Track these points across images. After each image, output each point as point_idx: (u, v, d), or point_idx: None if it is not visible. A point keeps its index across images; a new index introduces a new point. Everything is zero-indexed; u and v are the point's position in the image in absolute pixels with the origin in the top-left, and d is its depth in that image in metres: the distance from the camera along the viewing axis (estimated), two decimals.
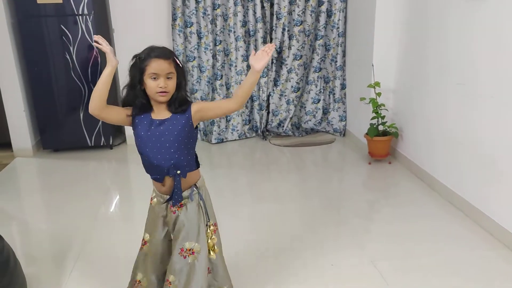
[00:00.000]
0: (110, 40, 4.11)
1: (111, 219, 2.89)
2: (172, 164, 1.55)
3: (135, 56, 1.53)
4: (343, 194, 3.13)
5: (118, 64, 1.53)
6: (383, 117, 3.41)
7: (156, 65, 1.48)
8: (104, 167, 3.80)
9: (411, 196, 2.93)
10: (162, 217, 1.68)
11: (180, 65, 1.55)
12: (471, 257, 2.20)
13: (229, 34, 4.02)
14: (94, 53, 3.77)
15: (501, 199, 2.31)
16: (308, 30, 4.08)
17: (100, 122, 3.94)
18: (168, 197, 1.62)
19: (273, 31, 4.08)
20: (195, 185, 1.64)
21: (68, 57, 3.75)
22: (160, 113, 1.56)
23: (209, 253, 1.65)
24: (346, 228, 2.54)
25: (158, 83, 1.48)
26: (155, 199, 1.69)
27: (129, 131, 4.21)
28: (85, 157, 3.92)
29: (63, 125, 3.93)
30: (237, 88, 1.58)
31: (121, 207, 3.07)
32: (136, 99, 1.54)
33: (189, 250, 1.61)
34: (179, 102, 1.55)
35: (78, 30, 3.70)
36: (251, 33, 4.02)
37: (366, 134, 3.44)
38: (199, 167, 1.66)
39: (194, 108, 1.57)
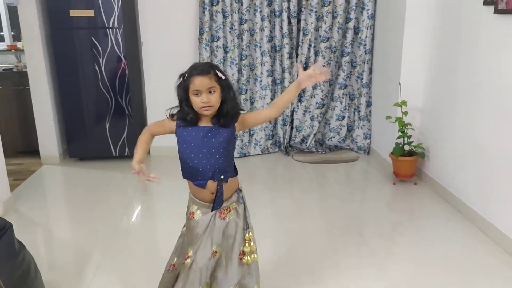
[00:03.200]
0: (138, 53, 4.19)
1: (132, 229, 2.90)
2: (217, 169, 1.63)
3: (180, 75, 1.62)
4: (366, 214, 3.06)
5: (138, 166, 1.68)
6: (409, 137, 3.33)
7: (197, 82, 1.55)
8: (128, 177, 3.84)
9: (437, 220, 2.84)
10: (207, 228, 1.67)
11: (223, 77, 1.60)
12: (498, 285, 2.10)
13: (255, 49, 4.04)
14: (122, 65, 3.85)
15: None
16: (335, 47, 4.06)
17: (125, 133, 4.00)
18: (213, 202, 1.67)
19: (299, 47, 4.08)
20: (239, 189, 1.73)
21: (97, 68, 3.84)
22: (206, 122, 1.64)
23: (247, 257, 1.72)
24: (367, 250, 2.47)
25: (201, 98, 1.55)
26: (198, 212, 1.68)
27: (153, 142, 4.24)
28: (109, 167, 3.98)
29: (89, 134, 4.00)
30: (277, 99, 1.74)
31: (143, 217, 3.08)
32: (186, 115, 1.61)
33: (247, 251, 1.72)
34: (229, 116, 1.63)
35: (108, 43, 3.79)
36: (277, 48, 4.03)
37: (391, 153, 3.37)
38: (237, 174, 1.73)
39: (239, 120, 1.68)
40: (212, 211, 1.66)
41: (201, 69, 1.57)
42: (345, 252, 2.44)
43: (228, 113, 1.61)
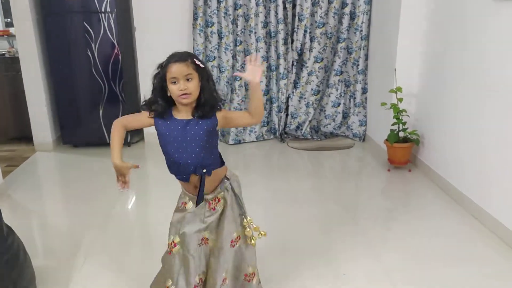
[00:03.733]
0: (131, 38, 4.14)
1: (126, 216, 2.89)
2: (198, 163, 1.59)
3: (159, 65, 1.58)
4: (360, 200, 3.05)
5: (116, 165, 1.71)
6: (404, 123, 3.32)
7: (174, 69, 1.51)
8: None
9: (431, 207, 2.84)
10: (199, 217, 1.65)
11: (201, 65, 1.55)
12: (493, 273, 2.10)
13: (250, 35, 3.99)
14: (116, 50, 3.80)
15: None
16: (330, 33, 4.01)
17: None
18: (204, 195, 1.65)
19: (295, 33, 4.03)
20: (226, 177, 1.70)
21: (90, 54, 3.79)
22: (185, 114, 1.59)
23: (253, 238, 1.73)
24: (362, 236, 2.46)
25: (178, 86, 1.52)
26: (189, 203, 1.67)
27: (147, 129, 4.22)
28: (103, 153, 3.95)
29: (83, 121, 3.97)
30: (249, 107, 1.62)
31: (137, 204, 3.07)
32: (158, 106, 1.57)
33: (237, 238, 1.71)
34: (207, 106, 1.57)
35: (101, 28, 3.73)
36: (272, 34, 3.98)
37: (386, 140, 3.36)
38: (224, 164, 1.70)
39: (220, 114, 1.61)
40: (196, 206, 1.63)
41: (178, 56, 1.54)
42: (340, 239, 2.43)
43: (206, 103, 1.56)
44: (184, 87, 1.51)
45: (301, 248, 2.34)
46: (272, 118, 4.23)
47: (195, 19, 3.90)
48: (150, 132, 4.18)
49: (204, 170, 1.60)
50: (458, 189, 2.82)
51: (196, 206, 1.64)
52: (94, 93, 3.90)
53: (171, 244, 1.67)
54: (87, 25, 3.72)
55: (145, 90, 4.04)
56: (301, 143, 4.12)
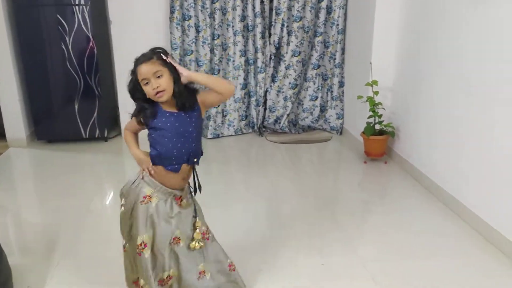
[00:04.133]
0: (107, 32, 4.07)
1: (103, 212, 2.86)
2: (191, 152, 1.65)
3: (130, 72, 1.60)
4: (338, 192, 3.10)
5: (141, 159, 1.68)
6: (380, 116, 3.38)
7: (142, 70, 1.54)
8: (99, 159, 3.77)
9: (406, 198, 2.91)
10: (167, 214, 1.65)
11: (168, 60, 1.57)
12: (467, 264, 2.17)
13: (227, 29, 3.98)
14: (91, 44, 3.73)
15: (499, 203, 2.29)
16: (308, 27, 4.04)
17: (95, 114, 3.91)
18: (176, 191, 1.67)
19: (272, 27, 4.04)
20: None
21: (64, 47, 3.71)
22: (171, 107, 1.62)
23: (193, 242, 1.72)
24: (339, 228, 2.51)
25: (151, 85, 1.54)
26: (154, 196, 1.63)
27: (124, 123, 4.17)
28: (79, 149, 3.89)
29: (57, 116, 3.90)
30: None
31: (115, 200, 3.04)
32: (145, 110, 1.60)
33: (206, 231, 1.76)
34: (185, 96, 1.60)
35: (75, 20, 3.66)
36: (250, 28, 3.98)
37: (363, 132, 3.41)
38: (202, 154, 1.75)
39: (199, 100, 1.65)
40: (195, 194, 1.71)
41: (143, 56, 1.56)
42: (318, 231, 2.48)
43: (181, 94, 1.59)
44: (156, 85, 1.53)
45: (280, 240, 2.36)
46: (250, 112, 4.24)
47: (171, 12, 3.86)
48: None
49: (195, 159, 1.66)
50: (433, 180, 2.90)
51: (195, 195, 1.71)
52: (69, 87, 3.82)
53: (140, 245, 1.63)
54: (60, 18, 3.64)
55: (122, 83, 4.01)
56: (280, 137, 4.15)
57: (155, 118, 1.60)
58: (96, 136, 3.98)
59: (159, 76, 1.53)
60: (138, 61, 1.55)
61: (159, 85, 1.53)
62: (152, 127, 1.62)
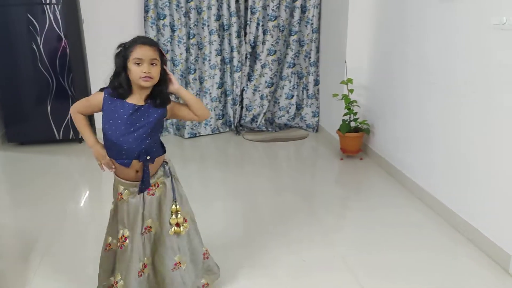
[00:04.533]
0: (79, 31, 4.00)
1: (79, 215, 2.82)
2: (143, 149, 1.60)
3: (120, 45, 1.57)
4: (315, 189, 3.15)
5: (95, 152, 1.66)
6: (355, 114, 3.45)
7: (140, 51, 1.52)
8: (73, 161, 3.70)
9: (381, 193, 2.98)
10: (139, 207, 1.65)
11: (164, 57, 1.58)
12: (439, 252, 2.26)
13: (203, 28, 3.98)
14: (63, 43, 3.66)
15: (468, 196, 2.38)
16: (283, 26, 4.08)
17: (69, 116, 3.83)
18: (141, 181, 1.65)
19: (247, 26, 4.06)
20: (165, 161, 1.72)
21: (35, 47, 3.63)
22: (138, 99, 1.60)
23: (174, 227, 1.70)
24: (317, 224, 2.55)
25: (142, 68, 1.52)
26: (125, 192, 1.66)
27: (99, 124, 4.10)
28: (52, 151, 3.81)
29: (29, 117, 3.80)
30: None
31: (90, 202, 3.00)
32: (119, 86, 1.56)
33: (183, 221, 1.71)
34: (162, 98, 1.60)
35: (46, 20, 3.58)
36: (225, 27, 3.99)
37: (338, 130, 3.48)
38: (165, 152, 1.71)
39: (169, 105, 1.65)
40: (139, 193, 1.64)
41: (147, 39, 1.56)
42: (297, 227, 2.51)
43: (162, 93, 1.60)
44: (148, 71, 1.52)
45: (260, 237, 2.39)
46: (227, 111, 4.25)
47: (146, 11, 3.82)
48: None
49: (148, 157, 1.61)
50: (406, 175, 2.98)
51: (140, 193, 1.64)
52: (41, 88, 3.74)
53: (121, 238, 1.67)
54: (31, 18, 3.55)
55: (96, 84, 3.96)
56: (256, 135, 4.18)
57: (113, 98, 1.56)
58: (70, 137, 3.91)
59: (153, 64, 1.53)
60: (139, 40, 1.53)
61: (150, 72, 1.52)
62: (107, 112, 1.57)
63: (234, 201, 2.89)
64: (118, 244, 1.69)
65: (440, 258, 2.21)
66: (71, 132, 3.89)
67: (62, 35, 3.64)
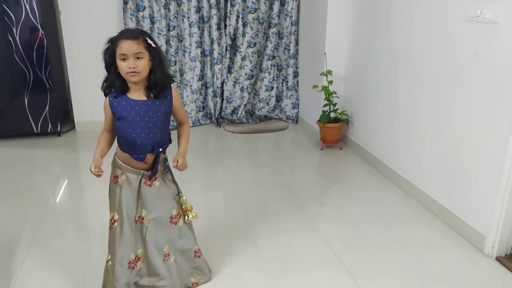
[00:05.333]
0: (56, 23, 3.93)
1: (61, 208, 2.80)
2: (156, 142, 1.64)
3: (108, 40, 1.57)
4: (297, 179, 3.22)
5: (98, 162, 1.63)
6: (334, 105, 3.52)
7: (124, 46, 1.51)
8: (52, 155, 3.66)
9: (361, 181, 3.07)
10: (134, 194, 1.68)
11: (153, 45, 1.56)
12: (417, 235, 2.36)
13: (182, 20, 3.97)
14: (40, 35, 3.59)
15: (442, 180, 2.49)
16: (262, 18, 4.11)
17: (47, 108, 3.77)
18: (144, 171, 1.68)
19: (227, 18, 4.08)
20: (165, 158, 1.76)
21: (10, 38, 3.54)
22: (140, 95, 1.61)
23: (188, 216, 1.78)
24: (300, 211, 2.62)
25: (127, 63, 1.52)
26: (123, 176, 1.67)
27: (78, 117, 4.07)
28: (31, 144, 3.75)
29: (5, 111, 3.72)
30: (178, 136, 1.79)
31: (72, 193, 2.98)
32: (113, 82, 1.58)
33: (177, 215, 1.77)
34: (158, 86, 1.60)
35: (22, 11, 3.50)
36: (205, 19, 3.99)
37: (319, 120, 3.55)
38: (171, 142, 1.75)
39: (174, 99, 1.66)
40: (150, 179, 1.68)
41: (130, 33, 1.54)
42: (280, 215, 2.57)
43: (157, 83, 1.59)
44: (133, 65, 1.51)
45: (243, 226, 2.43)
46: (207, 103, 4.27)
47: (125, 3, 3.79)
48: (81, 122, 4.04)
49: (160, 149, 1.66)
50: (384, 162, 3.09)
51: (150, 179, 1.68)
52: (17, 80, 3.66)
53: (111, 220, 1.71)
54: (6, 8, 3.47)
55: (74, 76, 3.91)
56: (237, 127, 4.21)
57: (118, 100, 1.59)
58: (49, 130, 3.85)
59: (138, 58, 1.52)
60: (122, 36, 1.52)
61: (136, 66, 1.51)
62: (115, 113, 1.61)
63: (216, 192, 2.92)
64: (108, 225, 1.72)
65: (418, 239, 2.31)
66: (50, 125, 3.83)
67: (38, 26, 3.57)
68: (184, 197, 1.79)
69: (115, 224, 1.70)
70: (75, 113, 4.05)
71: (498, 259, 2.12)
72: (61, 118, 3.94)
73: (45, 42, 3.61)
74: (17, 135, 3.84)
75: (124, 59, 1.51)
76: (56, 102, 3.80)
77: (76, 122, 4.07)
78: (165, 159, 1.76)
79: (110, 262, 1.73)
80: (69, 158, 3.66)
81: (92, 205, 2.78)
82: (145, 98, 1.60)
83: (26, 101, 3.72)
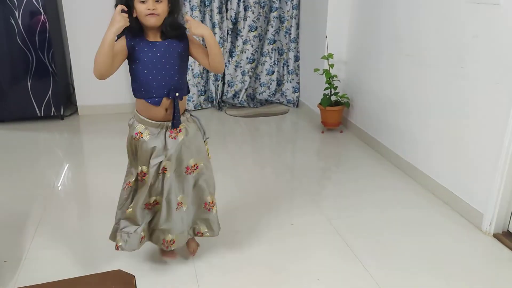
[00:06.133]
0: (57, 7, 3.94)
1: (68, 186, 2.84)
2: (172, 85, 1.64)
3: None
4: (298, 161, 3.27)
5: (125, 24, 1.53)
6: (335, 88, 3.56)
7: None
8: (56, 138, 3.69)
9: (361, 162, 3.13)
10: (160, 148, 1.68)
11: None
12: (416, 214, 2.42)
13: (184, 3, 3.97)
14: (42, 18, 3.60)
15: (441, 160, 2.54)
16: (263, 2, 4.12)
17: (50, 92, 3.80)
18: (167, 123, 1.68)
19: (229, 2, 4.08)
20: (186, 109, 1.77)
21: (13, 22, 3.55)
22: (157, 37, 1.62)
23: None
24: (302, 192, 2.67)
25: (147, 5, 1.53)
26: (146, 131, 1.68)
27: (81, 101, 4.09)
28: (34, 128, 3.78)
29: (9, 94, 3.74)
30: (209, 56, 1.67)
31: (77, 174, 3.02)
32: (131, 26, 1.56)
33: (194, 166, 1.78)
34: (172, 26, 1.61)
35: None
36: (207, 3, 4.00)
37: (320, 104, 3.58)
38: (189, 92, 1.77)
39: (190, 39, 1.65)
40: (172, 128, 1.68)
41: None
42: (281, 195, 2.62)
43: (171, 26, 1.60)
44: (153, 7, 1.53)
45: (245, 206, 2.49)
46: (209, 87, 4.29)
47: None
48: (84, 105, 4.07)
49: (177, 94, 1.65)
50: (384, 144, 3.14)
51: (172, 128, 1.68)
52: (20, 64, 3.67)
53: (140, 173, 1.72)
54: None
55: (76, 60, 3.92)
56: (239, 111, 4.25)
57: (135, 40, 1.59)
58: (52, 114, 3.88)
59: (158, 1, 1.54)
60: None
61: (155, 8, 1.54)
62: (132, 58, 1.62)
63: (217, 175, 2.95)
64: (139, 178, 1.74)
65: (418, 217, 2.38)
66: (53, 109, 3.86)
67: (41, 9, 3.57)
68: (207, 145, 1.84)
69: (146, 176, 1.70)
70: (77, 97, 4.07)
71: (495, 236, 2.18)
72: (64, 101, 3.97)
73: (47, 25, 3.62)
74: (21, 119, 3.87)
75: (143, 1, 1.53)
76: (59, 86, 3.82)
77: (79, 105, 4.10)
78: (187, 110, 1.78)
79: (130, 209, 1.74)
80: (73, 141, 3.69)
81: (98, 183, 2.83)
82: (160, 40, 1.61)
83: (29, 84, 3.74)
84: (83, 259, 2.00)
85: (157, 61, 1.61)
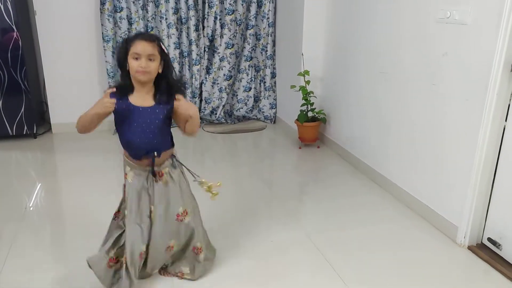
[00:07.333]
0: (30, 24, 3.88)
1: (41, 207, 2.76)
2: (150, 147, 1.67)
3: (123, 40, 1.65)
4: (276, 177, 3.28)
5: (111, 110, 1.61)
6: (312, 104, 3.61)
7: (139, 46, 1.57)
8: (28, 157, 3.60)
9: (338, 177, 3.16)
10: (142, 190, 1.72)
11: (166, 51, 1.63)
12: (392, 227, 2.46)
13: (160, 21, 3.98)
14: (14, 35, 3.54)
15: (416, 175, 2.59)
16: (240, 19, 4.17)
17: (23, 109, 3.72)
18: (149, 168, 1.72)
19: (205, 19, 4.11)
20: (173, 155, 1.79)
21: None
22: (144, 100, 1.64)
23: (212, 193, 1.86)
24: (280, 208, 2.68)
25: (139, 63, 1.56)
26: (131, 173, 1.73)
27: (54, 119, 4.02)
28: (6, 147, 3.68)
29: None
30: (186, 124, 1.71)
31: (49, 195, 2.94)
32: (123, 80, 1.64)
33: (183, 213, 1.82)
34: (168, 93, 1.65)
35: None
36: (183, 20, 4.02)
37: (297, 120, 3.62)
38: (173, 146, 1.78)
39: (176, 104, 1.65)
40: (154, 177, 1.73)
41: (147, 35, 1.62)
42: (260, 212, 2.62)
43: (168, 88, 1.65)
44: (145, 65, 1.57)
45: (223, 224, 2.46)
46: None
47: (102, 3, 3.77)
48: (58, 123, 3.99)
49: (155, 153, 1.69)
50: (360, 159, 3.18)
51: (154, 177, 1.73)
52: None
53: (119, 213, 1.84)
54: None
55: (50, 77, 3.86)
56: (216, 127, 4.25)
57: (121, 100, 1.62)
58: (24, 133, 3.79)
59: (151, 59, 1.58)
60: (139, 36, 1.59)
61: (147, 66, 1.57)
62: (118, 118, 1.66)
63: (194, 192, 2.93)
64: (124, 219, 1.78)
65: (395, 232, 2.41)
66: (25, 127, 3.77)
67: (14, 27, 3.52)
68: (203, 180, 1.84)
69: (126, 219, 1.74)
70: (51, 114, 4.00)
71: (470, 248, 2.23)
72: (37, 120, 3.89)
73: (20, 43, 3.56)
74: None
75: (136, 58, 1.57)
76: (31, 103, 3.74)
77: (53, 123, 4.02)
78: (173, 155, 1.79)
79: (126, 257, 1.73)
80: (46, 160, 3.61)
81: (70, 205, 2.76)
82: (146, 105, 1.64)
83: (0, 103, 3.65)
84: (57, 281, 1.94)
85: (137, 125, 1.65)
